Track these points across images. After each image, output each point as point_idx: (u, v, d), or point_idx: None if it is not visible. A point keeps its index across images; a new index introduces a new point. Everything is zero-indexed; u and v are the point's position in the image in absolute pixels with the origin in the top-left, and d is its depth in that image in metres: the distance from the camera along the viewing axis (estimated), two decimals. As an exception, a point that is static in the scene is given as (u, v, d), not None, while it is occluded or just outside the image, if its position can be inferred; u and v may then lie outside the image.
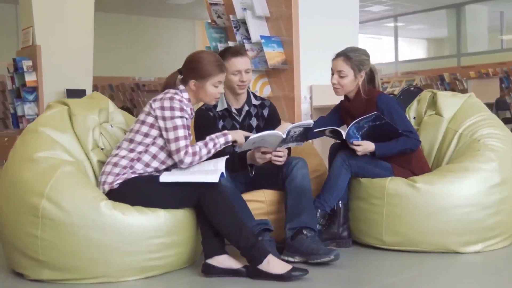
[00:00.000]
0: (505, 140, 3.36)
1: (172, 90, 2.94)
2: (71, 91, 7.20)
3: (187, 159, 2.84)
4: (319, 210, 3.24)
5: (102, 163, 3.03)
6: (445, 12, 16.23)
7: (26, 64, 7.12)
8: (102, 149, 3.14)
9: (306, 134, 3.15)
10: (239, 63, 3.26)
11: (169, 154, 2.91)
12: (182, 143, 2.83)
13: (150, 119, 2.90)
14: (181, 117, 2.86)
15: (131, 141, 2.92)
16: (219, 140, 2.92)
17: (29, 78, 7.10)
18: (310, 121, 3.15)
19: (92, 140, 3.10)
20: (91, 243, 2.64)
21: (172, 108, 2.85)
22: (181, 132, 2.84)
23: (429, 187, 3.10)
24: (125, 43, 15.01)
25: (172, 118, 2.84)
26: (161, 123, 2.86)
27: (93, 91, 8.94)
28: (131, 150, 2.90)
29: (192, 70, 2.96)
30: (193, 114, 3.07)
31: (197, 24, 15.96)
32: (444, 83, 15.02)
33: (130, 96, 14.90)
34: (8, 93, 7.96)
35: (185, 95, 2.96)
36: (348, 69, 3.35)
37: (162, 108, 2.86)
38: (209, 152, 2.89)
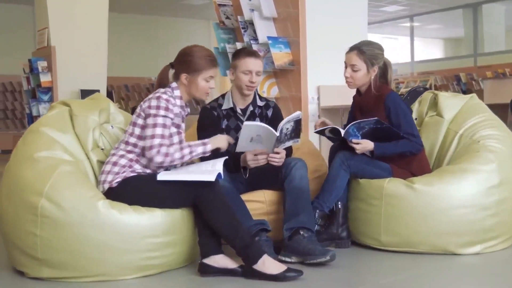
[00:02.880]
0: (505, 141, 3.34)
1: (162, 90, 2.97)
2: (86, 92, 7.27)
3: (158, 158, 2.83)
4: (318, 211, 3.25)
5: (102, 163, 3.07)
6: (462, 11, 16.07)
7: (41, 64, 7.22)
8: (102, 149, 3.18)
9: (298, 127, 3.14)
10: (252, 63, 3.28)
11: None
12: (156, 141, 2.84)
13: (140, 121, 2.94)
14: (164, 116, 2.88)
15: (126, 143, 2.96)
16: (196, 149, 2.91)
17: (44, 78, 7.20)
18: (298, 113, 3.11)
19: (92, 140, 3.14)
20: (89, 241, 2.68)
21: (157, 107, 2.88)
22: (158, 131, 2.85)
23: (428, 188, 3.09)
24: (140, 44, 15.11)
25: (155, 116, 2.87)
26: (146, 120, 2.90)
27: (108, 91, 9.01)
28: (129, 152, 2.94)
29: (184, 63, 2.99)
30: (188, 111, 3.08)
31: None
32: (461, 83, 14.90)
33: (146, 96, 14.98)
34: (24, 93, 8.07)
35: (177, 92, 2.98)
36: (361, 63, 3.33)
37: (149, 107, 2.90)
38: (182, 157, 2.87)
